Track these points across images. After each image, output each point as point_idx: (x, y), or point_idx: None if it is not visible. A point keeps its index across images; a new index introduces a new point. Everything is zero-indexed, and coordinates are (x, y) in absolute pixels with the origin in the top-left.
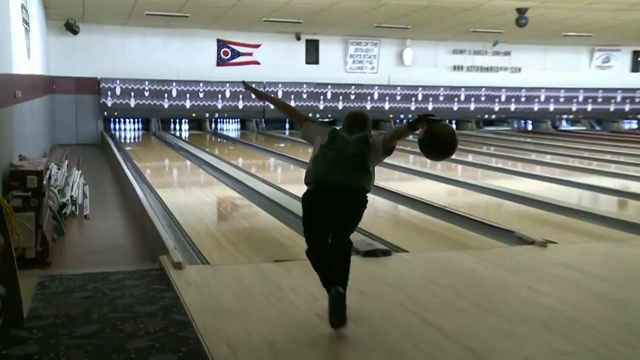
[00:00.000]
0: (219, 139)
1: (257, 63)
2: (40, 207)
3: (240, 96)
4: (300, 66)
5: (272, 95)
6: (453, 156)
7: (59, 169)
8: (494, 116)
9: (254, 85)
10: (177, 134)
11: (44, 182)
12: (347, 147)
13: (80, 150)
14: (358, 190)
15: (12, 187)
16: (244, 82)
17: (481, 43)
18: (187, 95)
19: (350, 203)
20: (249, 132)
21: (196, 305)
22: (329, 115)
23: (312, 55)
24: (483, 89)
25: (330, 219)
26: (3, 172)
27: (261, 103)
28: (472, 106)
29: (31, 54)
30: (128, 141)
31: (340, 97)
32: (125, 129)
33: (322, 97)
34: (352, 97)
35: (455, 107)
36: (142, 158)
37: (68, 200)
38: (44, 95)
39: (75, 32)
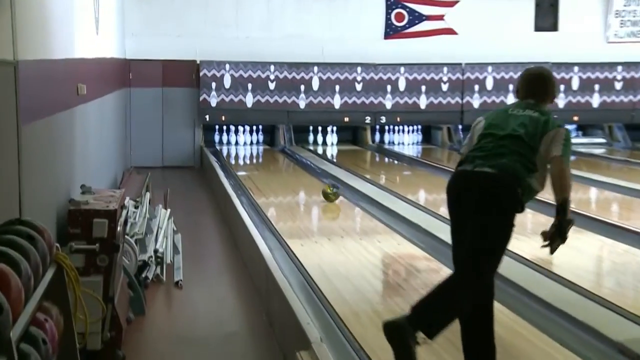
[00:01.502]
0: (386, 158)
1: (450, 32)
2: (111, 268)
3: (423, 88)
4: (524, 35)
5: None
6: None
7: (136, 208)
8: None
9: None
10: (320, 150)
11: (119, 229)
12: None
13: (168, 177)
14: (503, 180)
15: (70, 236)
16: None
17: None
18: (342, 88)
19: (486, 202)
20: (436, 148)
21: None
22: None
23: (547, 16)
24: None
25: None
26: (57, 212)
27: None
28: None
29: (100, 28)
30: (242, 162)
31: (597, 87)
32: (237, 143)
33: (563, 86)
34: (618, 85)
35: None
36: (265, 189)
37: (151, 257)
38: (117, 89)
39: None
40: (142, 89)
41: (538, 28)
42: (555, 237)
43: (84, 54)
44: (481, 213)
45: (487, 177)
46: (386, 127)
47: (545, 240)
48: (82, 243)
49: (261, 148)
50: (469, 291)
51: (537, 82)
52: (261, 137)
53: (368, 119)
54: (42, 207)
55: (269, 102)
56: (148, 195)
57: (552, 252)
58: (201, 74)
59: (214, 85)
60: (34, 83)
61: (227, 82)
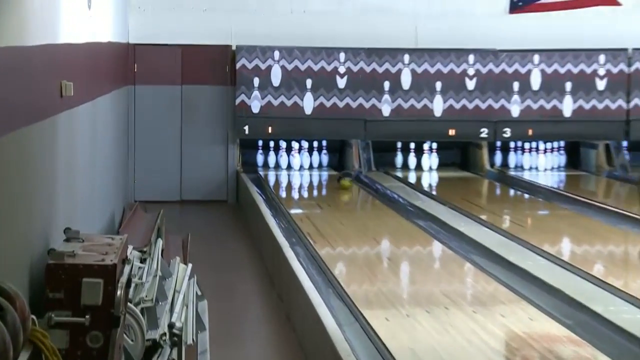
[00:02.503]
0: (511, 190)
1: (611, 2)
2: (107, 351)
3: (568, 85)
4: None
5: None
6: None
7: (144, 262)
8: None
9: None
10: (411, 177)
11: (119, 293)
12: None
13: (189, 217)
14: None
15: (50, 303)
16: None
17: None
18: (446, 86)
19: None
20: (588, 175)
21: None
22: None
23: None
24: None
25: None
26: (31, 269)
27: None
28: None
29: (94, 0)
30: (297, 195)
31: None
32: (290, 167)
33: None
34: None
35: None
36: (331, 235)
37: (164, 335)
38: (116, 88)
39: None
40: (152, 87)
41: None
42: None
43: (70, 38)
44: None
45: None
46: (511, 144)
47: None
48: (66, 314)
49: (325, 174)
50: None
51: None
52: (325, 159)
53: (485, 132)
54: (9, 261)
55: (337, 106)
56: (160, 243)
57: None
58: (238, 65)
59: (256, 82)
60: None
61: (277, 78)
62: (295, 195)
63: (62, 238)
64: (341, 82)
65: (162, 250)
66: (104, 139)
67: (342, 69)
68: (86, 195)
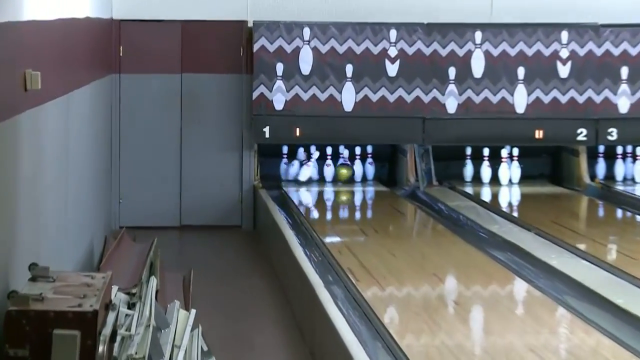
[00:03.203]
0: (619, 211)
1: None
2: None
3: None
4: None
5: None
6: None
7: (132, 307)
8: None
9: None
10: (485, 194)
11: (101, 349)
12: None
13: (191, 247)
14: None
15: None
16: None
17: None
18: (531, 73)
19: None
20: None
21: None
22: None
23: None
24: None
25: None
26: None
27: None
28: None
29: None
30: (333, 217)
31: None
32: (325, 181)
33: None
34: None
35: None
36: (379, 271)
37: None
38: (96, 78)
39: None
40: (142, 76)
41: None
42: None
43: (36, 14)
44: None
45: None
46: (618, 150)
47: None
48: None
49: (371, 191)
50: None
51: None
52: (372, 170)
53: (583, 134)
54: None
55: (387, 100)
56: (154, 282)
57: None
58: (256, 47)
59: (280, 69)
60: None
61: (307, 63)
62: (332, 218)
63: (26, 277)
64: (392, 69)
65: (156, 292)
66: (81, 146)
67: (393, 52)
68: (57, 219)
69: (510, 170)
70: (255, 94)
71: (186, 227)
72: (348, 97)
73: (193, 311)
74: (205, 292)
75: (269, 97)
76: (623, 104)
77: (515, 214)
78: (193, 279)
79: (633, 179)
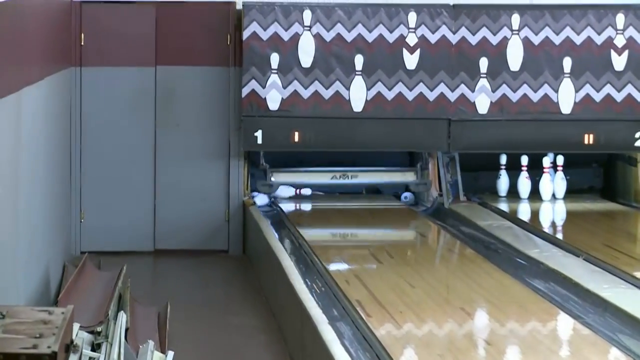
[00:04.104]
0: None
1: None
2: None
3: None
4: None
5: None
6: None
7: (97, 349)
8: None
9: None
10: (524, 211)
11: None
12: None
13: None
14: None
15: None
16: None
17: None
18: (580, 63)
19: None
20: None
21: None
22: None
23: None
24: None
25: None
26: None
27: None
28: None
29: None
30: (340, 239)
31: None
32: (330, 196)
33: None
34: None
35: None
36: (393, 305)
37: None
38: (51, 73)
39: None
40: (108, 69)
41: None
42: None
43: None
44: None
45: None
46: None
47: None
48: None
49: (386, 208)
50: None
51: None
52: (387, 182)
53: None
54: None
55: (405, 98)
56: (123, 319)
57: None
58: (246, 33)
59: (275, 60)
60: None
61: (307, 54)
62: (338, 241)
63: None
64: (411, 60)
65: (126, 330)
66: (33, 155)
67: (412, 39)
68: (5, 244)
69: (553, 183)
70: (245, 91)
71: (161, 251)
72: (357, 95)
73: (170, 353)
74: (185, 331)
75: (261, 94)
76: None
77: (559, 236)
78: (170, 315)
79: None
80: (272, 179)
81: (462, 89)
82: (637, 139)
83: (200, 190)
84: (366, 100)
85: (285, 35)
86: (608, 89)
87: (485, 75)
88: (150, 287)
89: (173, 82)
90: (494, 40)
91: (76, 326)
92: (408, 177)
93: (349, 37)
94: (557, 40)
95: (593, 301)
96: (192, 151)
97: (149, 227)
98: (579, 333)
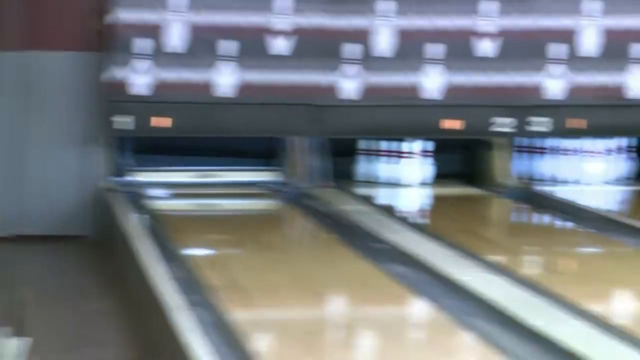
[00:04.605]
0: (550, 215)
1: None
2: None
3: None
4: None
5: None
6: None
7: None
8: None
9: None
10: (382, 195)
11: None
12: None
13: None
14: None
15: None
16: None
17: None
18: (428, 52)
19: None
20: None
21: None
22: None
23: None
24: None
25: None
26: None
27: None
28: None
29: None
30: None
31: None
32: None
33: None
34: None
35: None
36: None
37: None
38: None
39: None
40: None
41: None
42: None
43: None
44: None
45: None
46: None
47: None
48: None
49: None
50: None
51: None
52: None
53: (504, 124)
54: None
55: (273, 85)
56: None
57: None
58: (112, 16)
59: (142, 44)
60: None
61: (174, 38)
62: (201, 226)
63: None
64: (279, 45)
65: None
66: None
67: (281, 24)
68: None
69: (416, 169)
70: (109, 76)
71: (21, 237)
72: (227, 77)
73: (27, 341)
74: (44, 318)
75: (127, 80)
76: (553, 86)
77: (419, 221)
78: (25, 301)
79: (564, 179)
80: (135, 174)
81: (329, 74)
82: (491, 124)
83: (59, 175)
84: (239, 84)
85: (153, 19)
86: (473, 75)
87: (353, 61)
88: (7, 274)
89: (31, 68)
90: (362, 23)
91: None
92: (274, 175)
93: (220, 21)
94: (428, 26)
95: (452, 286)
96: (54, 137)
97: (6, 212)
98: (435, 318)
